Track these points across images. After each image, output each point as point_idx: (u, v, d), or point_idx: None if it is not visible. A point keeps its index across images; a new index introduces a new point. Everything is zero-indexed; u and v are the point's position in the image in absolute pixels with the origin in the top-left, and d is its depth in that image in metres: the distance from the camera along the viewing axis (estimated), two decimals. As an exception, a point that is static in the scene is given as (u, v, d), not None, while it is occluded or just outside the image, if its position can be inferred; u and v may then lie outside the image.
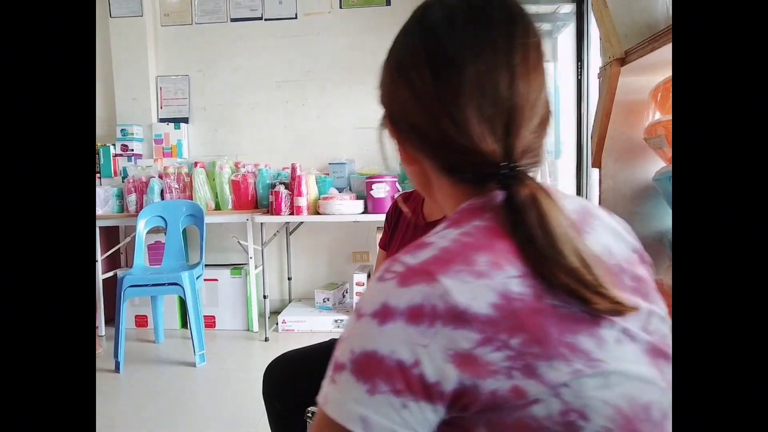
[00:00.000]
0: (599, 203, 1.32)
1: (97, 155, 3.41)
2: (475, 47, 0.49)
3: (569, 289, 0.43)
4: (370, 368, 0.42)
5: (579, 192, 2.28)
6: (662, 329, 0.50)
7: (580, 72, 2.37)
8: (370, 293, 0.45)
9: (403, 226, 1.21)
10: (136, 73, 3.53)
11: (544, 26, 2.72)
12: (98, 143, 3.46)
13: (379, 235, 1.42)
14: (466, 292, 0.42)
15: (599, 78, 1.42)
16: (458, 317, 0.41)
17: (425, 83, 0.51)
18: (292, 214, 3.03)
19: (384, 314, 0.43)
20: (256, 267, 3.18)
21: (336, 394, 0.43)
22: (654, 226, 1.31)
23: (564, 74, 2.54)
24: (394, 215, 1.26)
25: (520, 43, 0.50)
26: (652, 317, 0.49)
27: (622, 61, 1.28)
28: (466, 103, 0.48)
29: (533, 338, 0.42)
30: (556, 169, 2.68)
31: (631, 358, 0.45)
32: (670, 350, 0.49)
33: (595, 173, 1.95)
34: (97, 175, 3.43)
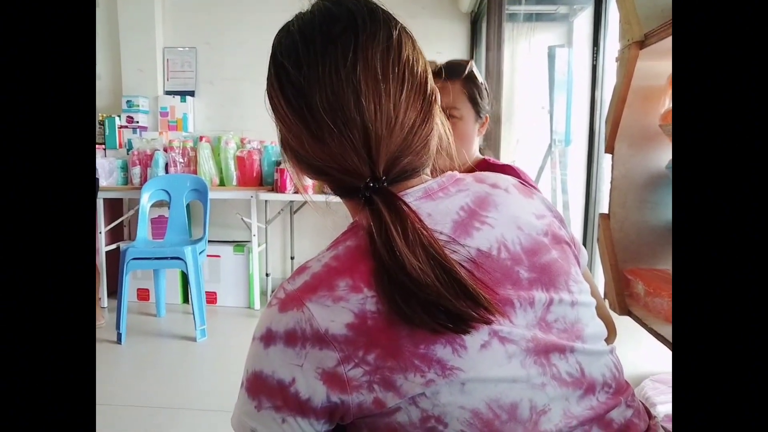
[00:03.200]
0: (611, 190, 1.29)
1: (101, 126, 3.39)
2: (318, 73, 0.49)
3: (426, 312, 0.45)
4: (257, 387, 0.48)
5: (589, 180, 2.25)
6: (568, 316, 0.51)
7: (596, 57, 2.32)
8: (261, 318, 0.50)
9: None
10: (143, 44, 3.48)
11: (561, 9, 2.65)
12: (104, 114, 3.43)
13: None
14: (326, 316, 0.46)
15: (617, 62, 1.38)
16: (321, 339, 0.46)
17: (287, 113, 0.52)
18: (297, 192, 3.01)
19: (268, 338, 0.48)
20: (259, 245, 3.17)
21: (236, 408, 0.50)
22: (665, 216, 1.28)
23: (579, 59, 2.48)
24: None
25: (362, 56, 0.50)
26: (554, 306, 0.51)
27: (641, 44, 1.24)
28: (323, 127, 0.49)
29: (387, 352, 0.45)
30: (566, 157, 2.64)
31: (496, 361, 0.46)
32: (577, 336, 0.51)
33: (606, 161, 1.91)
34: (102, 146, 3.41)
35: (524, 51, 2.63)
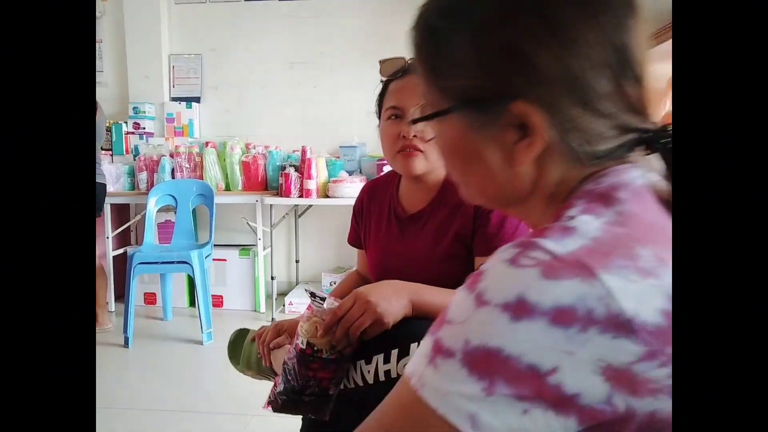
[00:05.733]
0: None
1: (108, 133, 3.43)
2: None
3: None
4: (490, 366, 0.36)
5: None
6: None
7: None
8: (500, 278, 0.38)
9: (375, 220, 1.11)
10: (149, 51, 3.52)
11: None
12: (110, 120, 3.47)
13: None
14: (633, 295, 0.35)
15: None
16: (620, 326, 0.35)
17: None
18: (301, 196, 3.03)
19: (519, 309, 0.35)
20: (264, 248, 3.19)
21: (438, 382, 0.37)
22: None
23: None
24: (362, 208, 1.15)
25: None
26: None
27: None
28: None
29: None
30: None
31: None
32: None
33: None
34: (109, 152, 3.45)
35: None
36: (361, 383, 0.80)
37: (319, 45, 3.49)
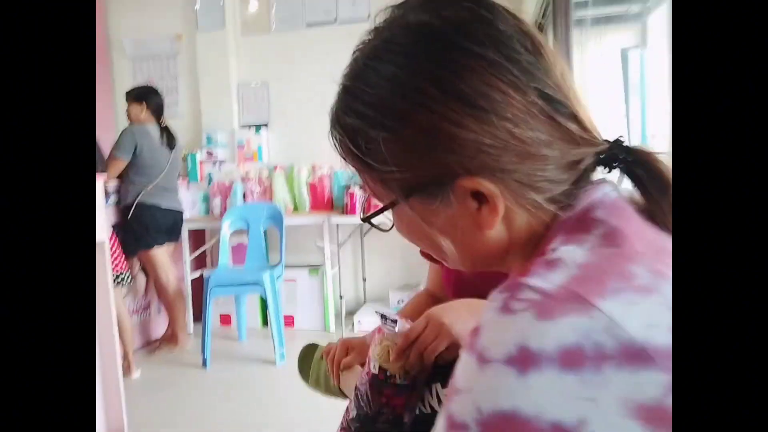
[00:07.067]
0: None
1: (184, 162, 3.62)
2: None
3: None
4: None
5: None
6: None
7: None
8: (495, 330, 0.34)
9: None
10: (219, 82, 3.70)
11: (633, 8, 2.53)
12: (185, 151, 3.66)
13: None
14: (638, 319, 0.32)
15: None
16: (637, 356, 0.31)
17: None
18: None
19: (524, 360, 0.32)
20: (332, 267, 3.22)
21: None
22: None
23: (656, 58, 2.33)
24: None
25: None
26: None
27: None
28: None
29: None
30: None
31: None
32: None
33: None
34: (185, 180, 3.63)
35: (594, 56, 2.52)
36: (437, 407, 0.76)
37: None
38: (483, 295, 0.86)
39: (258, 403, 2.33)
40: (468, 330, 0.75)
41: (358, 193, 3.03)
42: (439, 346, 0.72)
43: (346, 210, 3.09)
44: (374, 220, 0.51)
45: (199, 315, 3.20)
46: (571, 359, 0.31)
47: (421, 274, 1.17)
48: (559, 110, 0.41)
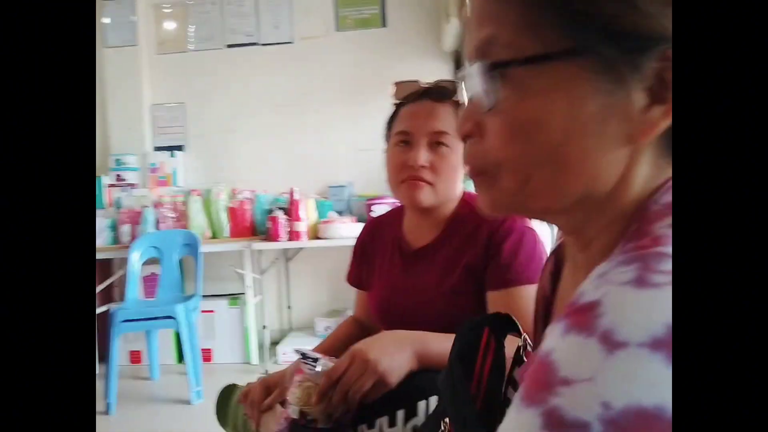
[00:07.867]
0: None
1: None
2: None
3: None
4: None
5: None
6: None
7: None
8: (632, 307, 0.27)
9: (379, 258, 1.03)
10: (130, 103, 3.48)
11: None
12: (92, 174, 3.39)
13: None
14: None
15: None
16: None
17: None
18: (291, 239, 2.93)
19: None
20: (254, 296, 3.07)
21: None
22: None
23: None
24: (365, 246, 1.08)
25: None
26: None
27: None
28: None
29: None
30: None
31: None
32: None
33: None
34: (91, 206, 3.35)
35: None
36: None
37: (303, 87, 3.47)
38: (411, 322, 0.82)
39: (170, 449, 2.12)
40: (396, 366, 0.70)
41: (282, 218, 2.92)
42: (365, 385, 0.66)
43: (269, 235, 2.97)
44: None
45: (105, 355, 2.91)
46: None
47: (348, 298, 1.12)
48: None
